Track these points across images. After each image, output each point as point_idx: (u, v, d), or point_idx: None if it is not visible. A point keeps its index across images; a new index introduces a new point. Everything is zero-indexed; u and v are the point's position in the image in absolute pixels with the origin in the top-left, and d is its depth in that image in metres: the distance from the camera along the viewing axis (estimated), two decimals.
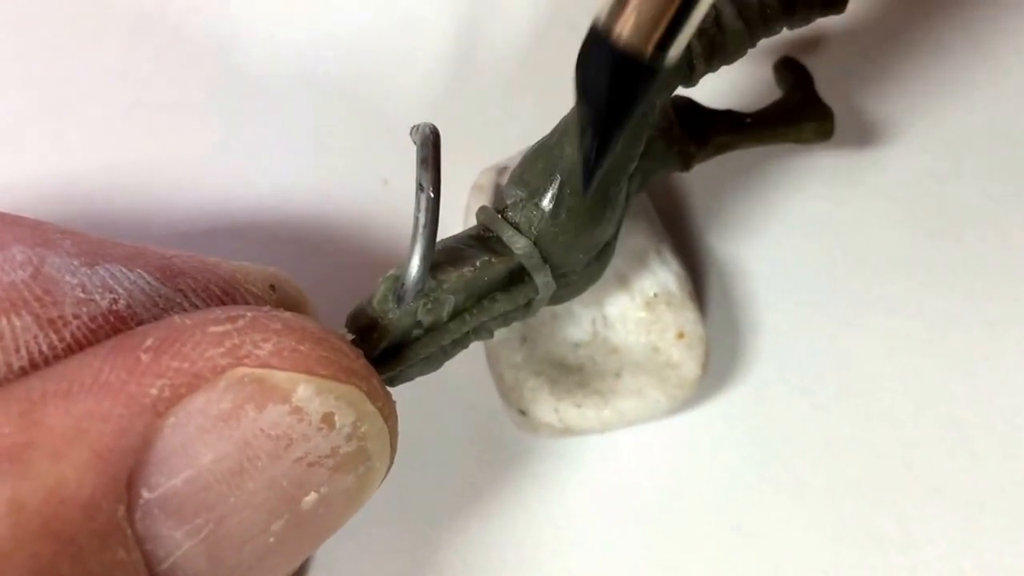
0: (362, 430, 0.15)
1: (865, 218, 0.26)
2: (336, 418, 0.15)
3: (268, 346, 0.14)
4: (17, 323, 0.14)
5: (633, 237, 0.23)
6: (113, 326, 0.15)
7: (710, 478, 0.24)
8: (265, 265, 0.18)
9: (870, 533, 0.24)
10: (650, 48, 0.16)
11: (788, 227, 0.25)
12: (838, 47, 0.26)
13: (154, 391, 0.14)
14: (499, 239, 0.19)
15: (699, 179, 0.25)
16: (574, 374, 0.23)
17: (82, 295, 0.15)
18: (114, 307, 0.15)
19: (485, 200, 0.23)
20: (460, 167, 0.22)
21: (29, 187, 0.24)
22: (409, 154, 0.25)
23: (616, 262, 0.22)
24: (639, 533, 0.24)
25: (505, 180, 0.20)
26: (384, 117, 0.25)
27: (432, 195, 0.16)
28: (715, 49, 0.20)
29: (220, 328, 0.14)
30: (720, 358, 0.24)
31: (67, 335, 0.14)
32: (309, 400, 0.14)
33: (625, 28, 0.16)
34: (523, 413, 0.23)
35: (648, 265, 0.23)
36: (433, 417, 0.23)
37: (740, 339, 0.25)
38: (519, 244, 0.19)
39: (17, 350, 0.14)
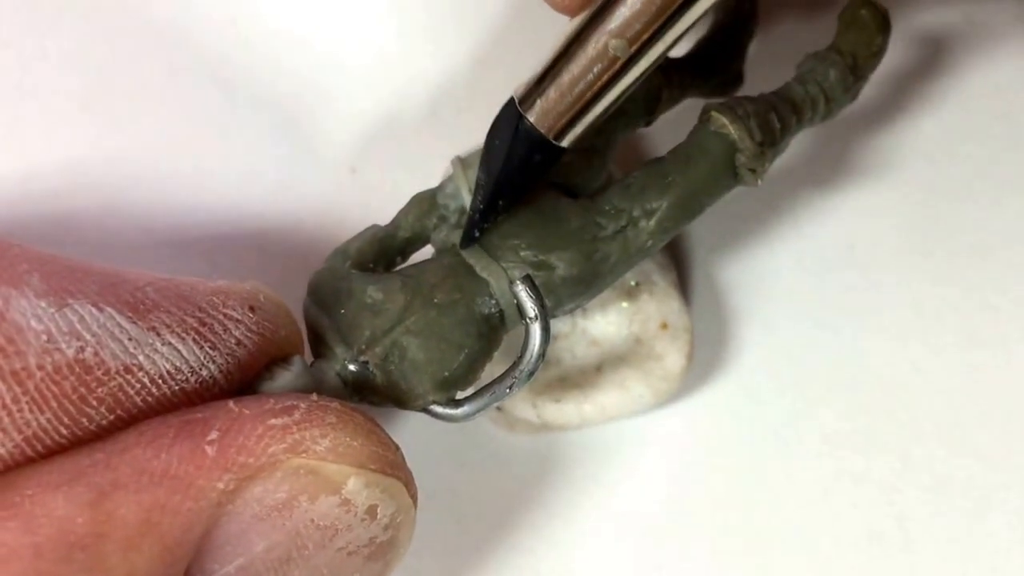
0: (398, 520, 0.16)
1: (856, 204, 0.25)
2: (379, 509, 0.16)
3: (326, 442, 0.15)
4: None
5: None
6: (79, 377, 0.14)
7: (696, 476, 0.23)
8: (243, 281, 0.18)
9: (867, 532, 0.23)
10: (553, 132, 0.18)
11: (776, 213, 0.25)
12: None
13: (220, 485, 0.14)
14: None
15: None
16: (552, 367, 0.22)
17: (47, 343, 0.14)
18: (80, 356, 0.14)
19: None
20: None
21: None
22: (377, 141, 0.24)
23: None
24: (621, 534, 0.23)
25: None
26: (351, 102, 0.24)
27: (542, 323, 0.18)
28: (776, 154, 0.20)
29: (279, 421, 0.15)
30: (705, 349, 0.23)
31: (31, 387, 0.14)
32: (358, 492, 0.15)
33: (535, 108, 0.17)
34: (499, 409, 0.22)
35: None
36: (401, 415, 0.22)
37: (726, 329, 0.24)
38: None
39: None
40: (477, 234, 0.18)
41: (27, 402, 0.14)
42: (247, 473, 0.15)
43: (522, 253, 0.18)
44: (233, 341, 0.16)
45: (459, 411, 0.18)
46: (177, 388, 0.16)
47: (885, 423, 0.23)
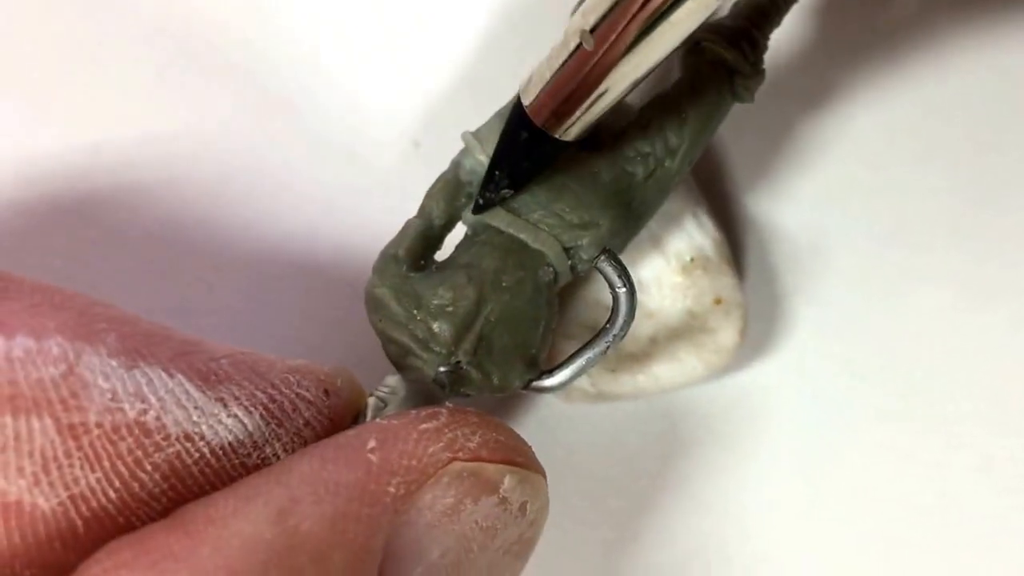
0: (540, 515, 0.16)
1: (907, 184, 0.25)
2: (528, 505, 0.16)
3: (476, 438, 0.16)
4: (36, 425, 0.14)
5: (669, 200, 0.23)
6: (137, 439, 0.14)
7: (747, 450, 0.24)
8: (323, 364, 0.17)
9: (913, 508, 0.23)
10: (551, 124, 0.18)
11: (829, 192, 0.25)
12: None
13: (392, 489, 0.14)
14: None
15: (738, 141, 0.25)
16: None
17: (111, 403, 0.14)
18: (141, 418, 0.14)
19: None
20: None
21: (52, 156, 0.24)
22: (439, 114, 0.25)
23: (651, 225, 0.22)
24: (673, 504, 0.23)
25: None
26: (414, 77, 0.25)
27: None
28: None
29: (430, 424, 0.15)
30: (758, 325, 0.24)
31: (85, 444, 0.14)
32: (513, 490, 0.16)
33: (536, 100, 0.18)
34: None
35: (684, 229, 0.23)
36: None
37: (779, 306, 0.24)
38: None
39: (31, 454, 0.14)
40: (481, 201, 0.19)
41: (80, 458, 0.14)
42: (412, 476, 0.15)
43: (567, 218, 0.19)
44: (301, 422, 0.16)
45: (555, 380, 0.19)
46: (238, 463, 0.15)
47: (932, 401, 0.24)
